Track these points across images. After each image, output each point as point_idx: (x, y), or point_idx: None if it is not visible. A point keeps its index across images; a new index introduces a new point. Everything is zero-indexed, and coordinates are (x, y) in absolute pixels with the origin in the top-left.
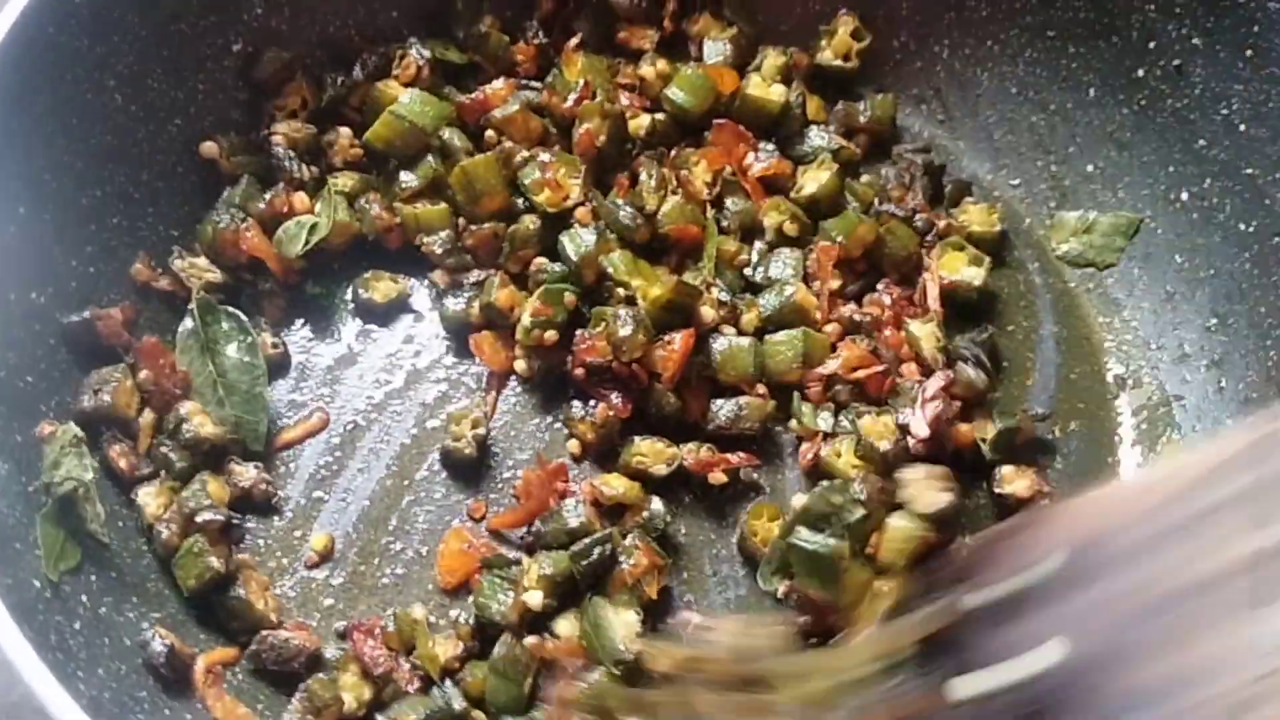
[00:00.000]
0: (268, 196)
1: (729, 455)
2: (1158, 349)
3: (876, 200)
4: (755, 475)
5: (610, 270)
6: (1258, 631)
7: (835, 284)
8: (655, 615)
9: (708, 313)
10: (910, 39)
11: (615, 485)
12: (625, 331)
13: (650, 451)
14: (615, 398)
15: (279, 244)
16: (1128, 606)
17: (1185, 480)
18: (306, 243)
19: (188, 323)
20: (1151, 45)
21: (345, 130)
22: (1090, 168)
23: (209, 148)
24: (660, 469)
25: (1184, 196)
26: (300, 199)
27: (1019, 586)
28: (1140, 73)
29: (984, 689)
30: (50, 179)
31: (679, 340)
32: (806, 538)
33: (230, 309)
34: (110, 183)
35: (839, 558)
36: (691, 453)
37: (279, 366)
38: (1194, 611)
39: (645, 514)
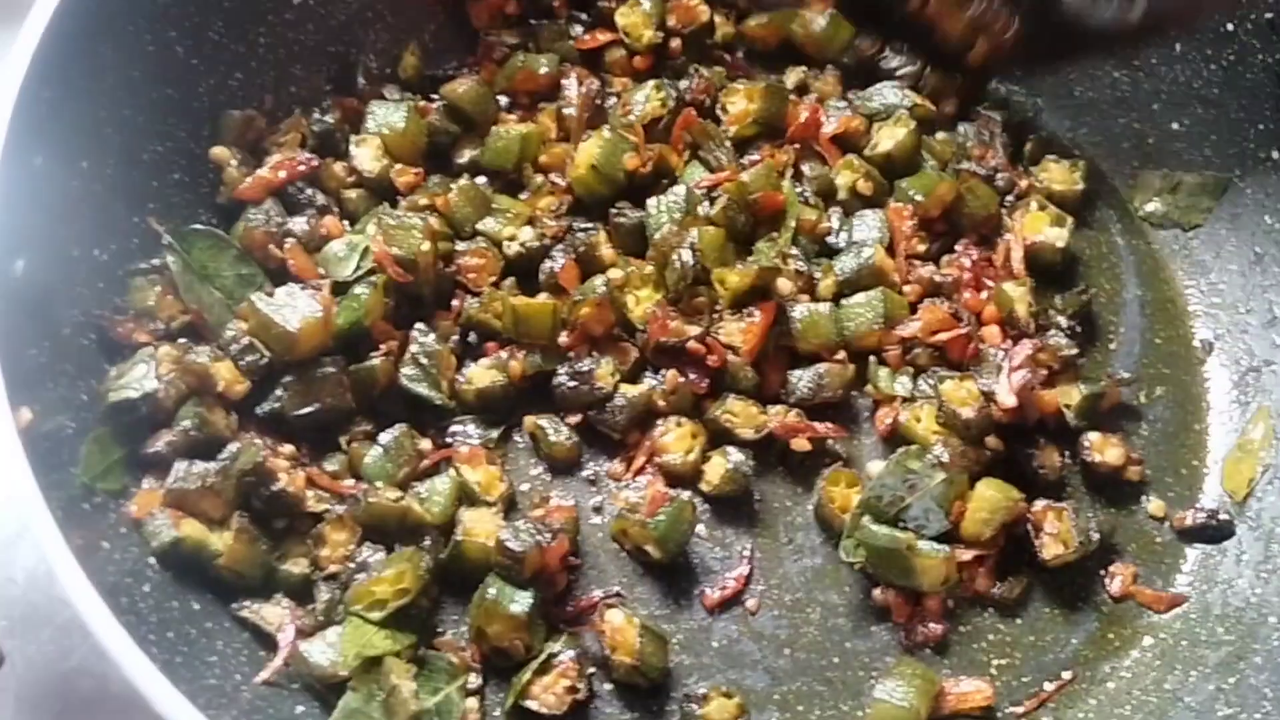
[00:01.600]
0: (305, 222)
1: (816, 424)
2: (1246, 313)
3: (954, 158)
4: (832, 441)
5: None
6: None
7: (922, 247)
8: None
9: (785, 285)
10: None
11: (675, 451)
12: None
13: (741, 412)
14: (690, 374)
15: (326, 264)
16: None
17: None
18: (358, 268)
19: (170, 259)
20: None
21: (340, 164)
22: (1175, 125)
23: (219, 153)
24: (748, 433)
25: (1274, 155)
26: (334, 223)
27: None
28: (1229, 26)
29: None
30: (113, 133)
31: (759, 315)
32: (873, 530)
33: (199, 226)
34: (172, 137)
35: (906, 549)
36: (779, 415)
37: None
38: None
39: (729, 465)
